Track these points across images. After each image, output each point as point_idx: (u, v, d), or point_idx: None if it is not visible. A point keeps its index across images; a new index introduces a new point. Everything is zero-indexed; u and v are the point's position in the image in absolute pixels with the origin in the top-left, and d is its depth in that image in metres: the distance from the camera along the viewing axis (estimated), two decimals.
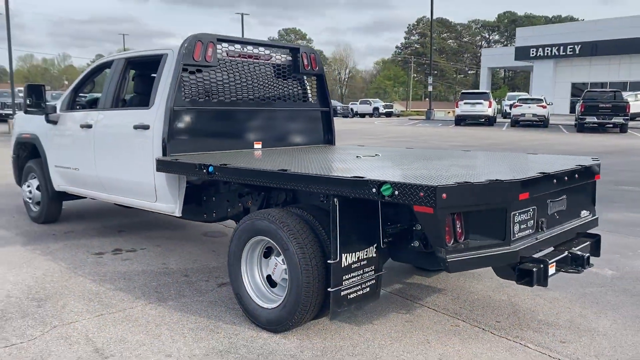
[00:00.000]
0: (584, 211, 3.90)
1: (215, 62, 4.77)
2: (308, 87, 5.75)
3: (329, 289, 3.22)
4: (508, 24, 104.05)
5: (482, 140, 21.05)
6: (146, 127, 4.69)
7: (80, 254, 5.35)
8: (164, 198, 4.65)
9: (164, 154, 4.50)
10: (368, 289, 3.45)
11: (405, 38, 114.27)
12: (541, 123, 29.49)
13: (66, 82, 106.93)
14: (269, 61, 5.35)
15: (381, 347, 3.39)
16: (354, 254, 3.30)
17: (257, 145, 5.24)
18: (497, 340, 3.51)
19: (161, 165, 4.37)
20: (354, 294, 3.36)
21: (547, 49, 47.78)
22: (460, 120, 32.08)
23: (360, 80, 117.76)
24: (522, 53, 49.98)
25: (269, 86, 5.33)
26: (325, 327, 3.64)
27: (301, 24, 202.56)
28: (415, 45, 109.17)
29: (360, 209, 3.31)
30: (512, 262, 3.09)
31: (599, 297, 4.32)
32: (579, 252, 3.47)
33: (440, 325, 3.74)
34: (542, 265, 3.17)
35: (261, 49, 5.25)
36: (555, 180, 3.34)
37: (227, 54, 5.00)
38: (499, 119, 36.35)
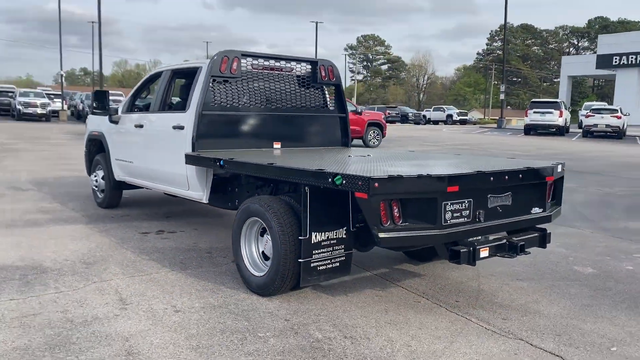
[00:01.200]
0: (536, 208, 4.43)
1: (239, 74, 5.65)
2: (327, 96, 6.52)
3: (299, 260, 3.99)
4: (599, 30, 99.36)
5: (542, 150, 20.87)
6: (182, 128, 5.65)
7: (129, 233, 6.40)
8: (194, 187, 5.58)
9: (193, 149, 5.43)
10: (338, 264, 4.18)
11: (487, 44, 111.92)
12: (615, 134, 28.51)
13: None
14: (290, 72, 6.18)
15: (344, 312, 4.10)
16: (323, 233, 4.04)
17: (277, 146, 6.07)
18: (446, 314, 4.12)
19: (188, 159, 5.30)
20: (324, 267, 4.10)
21: (632, 57, 45.66)
22: (530, 130, 31.56)
23: (439, 87, 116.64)
24: (604, 61, 48.05)
25: (289, 94, 6.15)
26: (304, 295, 4.39)
27: (382, 31, 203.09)
28: (498, 51, 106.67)
29: (330, 197, 4.04)
30: (441, 243, 3.74)
31: (564, 289, 4.78)
32: (514, 241, 4.05)
33: (404, 300, 4.39)
34: (471, 248, 3.79)
35: (283, 62, 6.09)
36: (491, 178, 3.94)
37: (252, 67, 5.87)
38: (574, 129, 35.33)
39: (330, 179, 3.69)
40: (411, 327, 3.86)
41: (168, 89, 6.39)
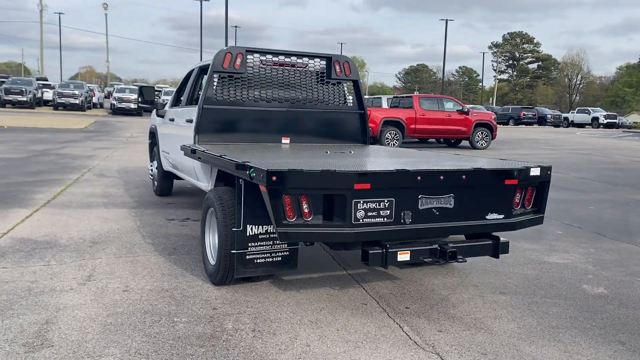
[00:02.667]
0: (495, 214, 4.01)
1: (243, 70, 5.81)
2: (345, 92, 6.43)
3: (232, 251, 4.05)
4: None
5: None
6: (191, 121, 5.96)
7: (158, 219, 6.88)
8: (201, 178, 5.86)
9: (194, 142, 5.70)
10: (280, 259, 4.17)
11: None
12: None
13: None
14: (304, 68, 6.20)
15: (278, 306, 4.07)
16: (261, 226, 4.06)
17: (285, 141, 6.14)
18: (381, 319, 3.91)
19: (183, 151, 5.58)
20: (262, 260, 4.12)
21: None
22: None
23: (597, 87, 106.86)
24: None
25: (301, 90, 6.18)
26: (255, 287, 4.43)
27: (534, 28, 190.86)
28: None
29: None
30: (349, 241, 3.57)
31: (545, 307, 4.28)
32: (445, 247, 3.72)
33: (350, 302, 4.24)
34: (383, 250, 3.56)
35: (294, 57, 6.13)
36: (418, 178, 3.65)
37: (262, 63, 6.00)
38: None
39: (247, 172, 3.71)
40: (330, 328, 3.74)
41: (195, 84, 6.75)
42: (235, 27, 64.94)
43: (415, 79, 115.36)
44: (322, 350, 3.39)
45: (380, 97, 23.57)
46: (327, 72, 6.28)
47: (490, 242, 4.08)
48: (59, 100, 36.84)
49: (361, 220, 3.56)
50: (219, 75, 5.78)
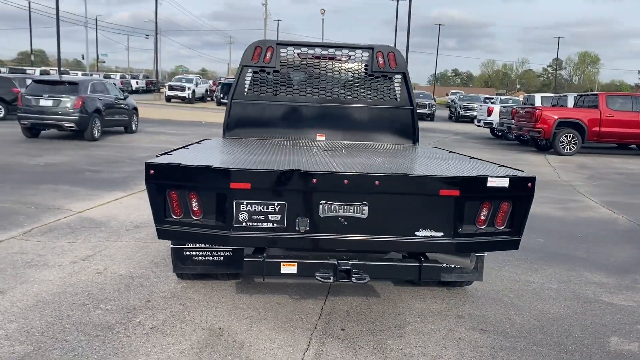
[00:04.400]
0: (428, 230, 3.24)
1: (274, 64, 5.67)
2: (394, 86, 5.84)
3: (170, 245, 4.00)
4: None
5: None
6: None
7: None
8: None
9: (223, 136, 5.76)
10: (222, 258, 4.00)
11: None
12: None
13: (518, 87, 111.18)
14: (345, 61, 5.80)
15: (213, 304, 3.94)
16: None
17: (320, 137, 5.83)
18: (299, 337, 3.50)
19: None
20: (202, 258, 4.00)
21: None
22: None
23: None
24: None
25: (339, 84, 5.79)
26: (219, 286, 4.31)
27: None
28: None
29: None
30: (230, 246, 3.22)
31: (518, 357, 3.38)
32: (342, 265, 3.14)
33: (293, 313, 3.87)
34: (260, 259, 3.14)
35: (332, 50, 5.77)
36: (314, 180, 3.12)
37: (298, 56, 5.79)
38: None
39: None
40: (232, 338, 3.46)
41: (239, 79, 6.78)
42: (439, 24, 63.58)
43: None
44: (175, 348, 3.16)
45: (567, 96, 20.80)
46: (370, 65, 5.78)
47: (411, 264, 3.34)
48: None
49: (244, 223, 3.21)
50: (250, 70, 5.72)
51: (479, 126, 23.83)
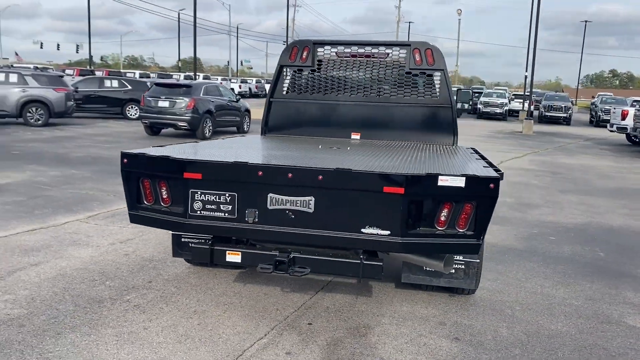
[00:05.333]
0: (375, 228, 3.13)
1: (310, 63, 5.77)
2: (434, 84, 5.64)
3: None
4: None
5: None
6: None
7: None
8: None
9: (262, 134, 5.99)
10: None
11: None
12: None
13: None
14: (383, 59, 5.73)
15: (207, 289, 4.16)
16: None
17: (355, 136, 5.81)
18: (262, 327, 3.59)
19: None
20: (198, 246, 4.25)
21: None
22: None
23: None
24: None
25: (376, 82, 5.73)
26: (222, 273, 4.55)
27: None
28: None
29: None
30: (181, 231, 3.39)
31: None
32: (281, 257, 3.26)
33: (272, 305, 3.97)
34: (206, 247, 3.28)
35: (369, 48, 5.73)
36: (260, 173, 3.18)
37: (337, 55, 5.84)
38: None
39: None
40: (192, 322, 3.66)
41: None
42: (586, 21, 58.74)
43: None
44: (142, 337, 3.40)
45: None
46: (407, 62, 5.65)
47: (353, 260, 3.26)
48: None
49: (198, 212, 3.37)
50: (288, 69, 5.88)
51: (611, 131, 21.67)
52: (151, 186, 3.59)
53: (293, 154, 4.08)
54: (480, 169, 3.41)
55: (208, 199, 3.36)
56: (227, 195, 3.33)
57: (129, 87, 20.39)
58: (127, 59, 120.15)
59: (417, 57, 5.53)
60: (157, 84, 15.63)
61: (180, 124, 14.60)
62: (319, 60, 5.81)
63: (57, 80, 16.95)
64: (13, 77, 16.11)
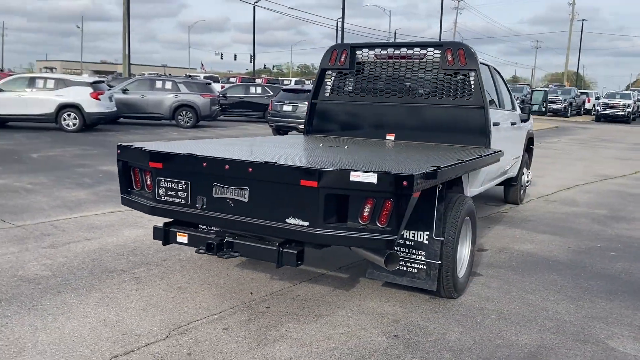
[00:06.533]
0: (296, 219, 3.28)
1: (348, 66, 5.96)
2: (469, 84, 5.48)
3: None
4: None
5: None
6: None
7: None
8: None
9: (304, 133, 6.32)
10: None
11: None
12: None
13: None
14: (420, 60, 5.72)
15: (200, 270, 4.63)
16: None
17: (390, 137, 5.88)
18: (224, 307, 3.95)
19: None
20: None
21: None
22: None
23: None
24: None
25: (410, 83, 5.73)
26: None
27: None
28: None
29: None
30: (151, 214, 3.88)
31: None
32: (214, 240, 3.67)
33: (248, 288, 4.30)
34: (161, 227, 3.73)
35: (404, 49, 5.75)
36: (204, 164, 3.52)
37: (375, 57, 5.96)
38: None
39: None
40: (166, 296, 4.13)
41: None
42: None
43: None
44: (119, 302, 3.96)
45: None
46: (440, 62, 5.56)
47: (272, 247, 3.43)
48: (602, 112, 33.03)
49: (163, 197, 3.82)
50: (328, 72, 6.13)
51: None
52: (139, 174, 4.15)
53: (289, 151, 4.38)
54: (412, 168, 3.39)
55: (169, 186, 3.81)
56: (182, 183, 3.75)
57: (271, 93, 21.93)
58: (300, 67, 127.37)
59: (450, 57, 5.45)
60: (285, 90, 16.71)
61: (300, 127, 15.42)
62: (357, 63, 5.98)
63: (204, 87, 18.96)
64: (168, 85, 18.40)
